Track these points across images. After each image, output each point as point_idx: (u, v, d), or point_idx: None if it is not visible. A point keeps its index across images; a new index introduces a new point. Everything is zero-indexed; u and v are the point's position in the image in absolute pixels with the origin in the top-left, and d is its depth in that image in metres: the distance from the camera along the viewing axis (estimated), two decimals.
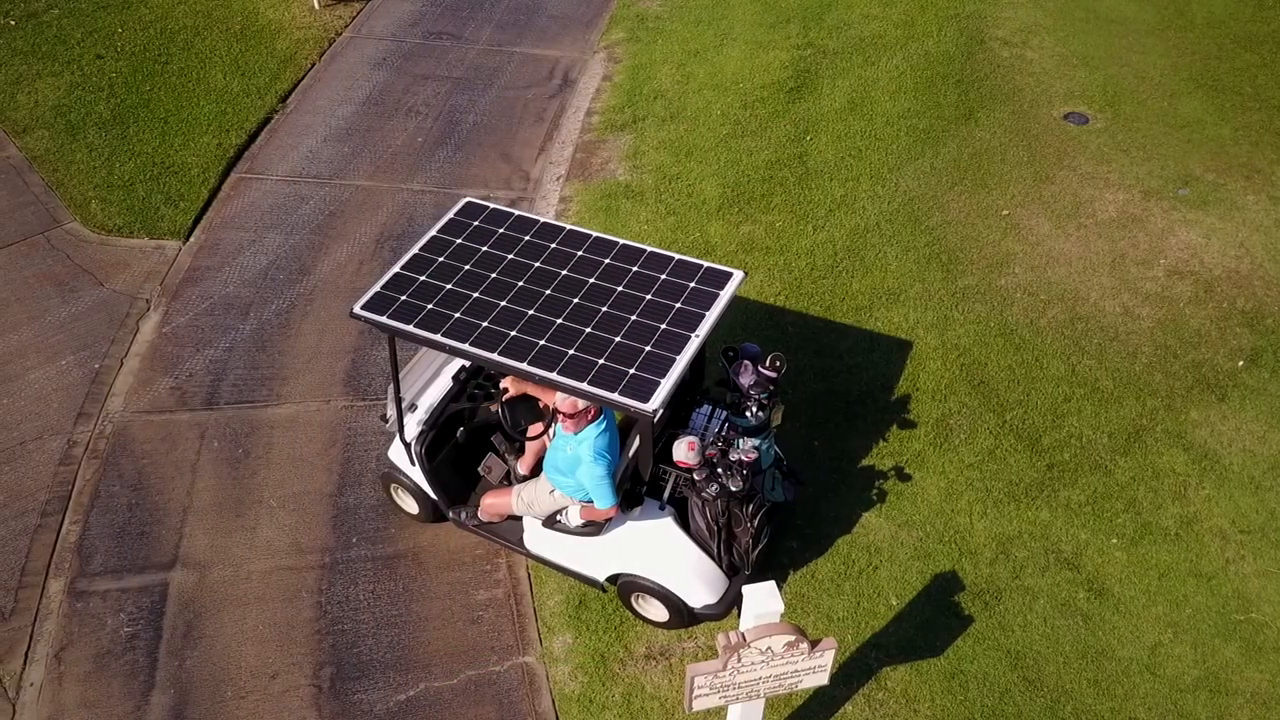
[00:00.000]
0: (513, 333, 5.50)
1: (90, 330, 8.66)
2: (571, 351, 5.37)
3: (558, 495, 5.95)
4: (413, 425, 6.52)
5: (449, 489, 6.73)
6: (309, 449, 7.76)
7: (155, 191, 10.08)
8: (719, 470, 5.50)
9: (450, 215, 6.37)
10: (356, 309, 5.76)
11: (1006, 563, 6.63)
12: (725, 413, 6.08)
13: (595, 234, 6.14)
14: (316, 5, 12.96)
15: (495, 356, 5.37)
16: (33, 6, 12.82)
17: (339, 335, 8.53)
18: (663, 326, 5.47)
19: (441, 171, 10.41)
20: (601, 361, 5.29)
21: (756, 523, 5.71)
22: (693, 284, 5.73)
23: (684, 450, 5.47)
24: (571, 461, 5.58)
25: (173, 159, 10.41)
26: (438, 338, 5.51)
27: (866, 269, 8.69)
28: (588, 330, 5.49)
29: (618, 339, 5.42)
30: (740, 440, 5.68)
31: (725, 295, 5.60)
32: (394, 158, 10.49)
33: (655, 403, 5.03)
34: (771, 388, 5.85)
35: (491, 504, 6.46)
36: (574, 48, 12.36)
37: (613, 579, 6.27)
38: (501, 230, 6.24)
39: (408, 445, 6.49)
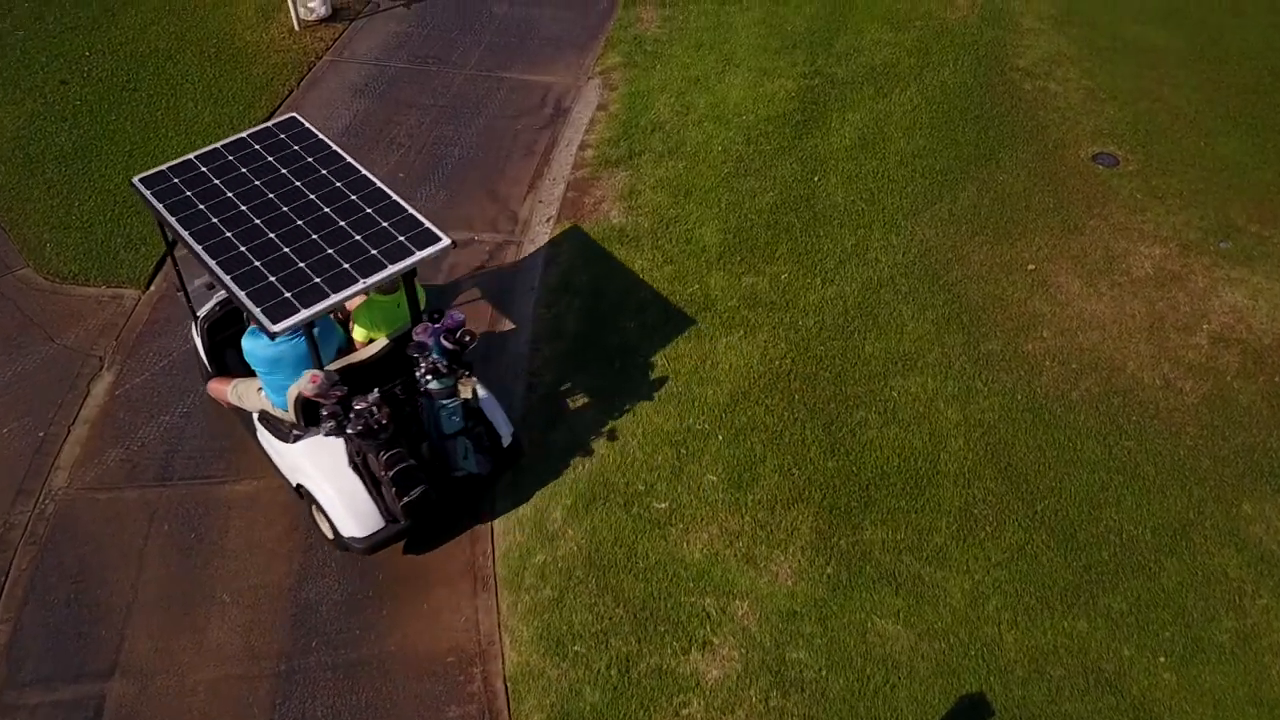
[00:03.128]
0: (240, 244, 5.73)
1: (36, 393, 7.86)
2: (258, 264, 5.62)
3: (263, 395, 6.30)
4: (209, 303, 7.03)
5: (221, 367, 7.18)
6: (268, 534, 6.97)
7: (115, 234, 9.26)
8: (339, 412, 5.59)
9: (268, 124, 6.65)
10: (135, 180, 6.17)
11: (1041, 683, 5.83)
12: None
13: (361, 172, 6.26)
14: (296, 26, 12.12)
15: (209, 259, 5.67)
16: None
17: None
18: (345, 266, 5.60)
19: (423, 212, 9.48)
20: (273, 279, 5.53)
21: (393, 474, 5.86)
22: (402, 238, 5.77)
23: (305, 382, 5.63)
24: (269, 361, 6.02)
25: (136, 197, 9.58)
26: (181, 231, 5.83)
27: (880, 329, 7.87)
28: (286, 250, 5.68)
29: (302, 264, 5.61)
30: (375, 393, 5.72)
31: (412, 259, 5.62)
32: None
33: (278, 327, 5.31)
34: (448, 360, 5.84)
35: (215, 388, 7.05)
36: (567, 73, 11.53)
37: (301, 488, 6.51)
38: (296, 149, 6.42)
39: (195, 317, 7.10)
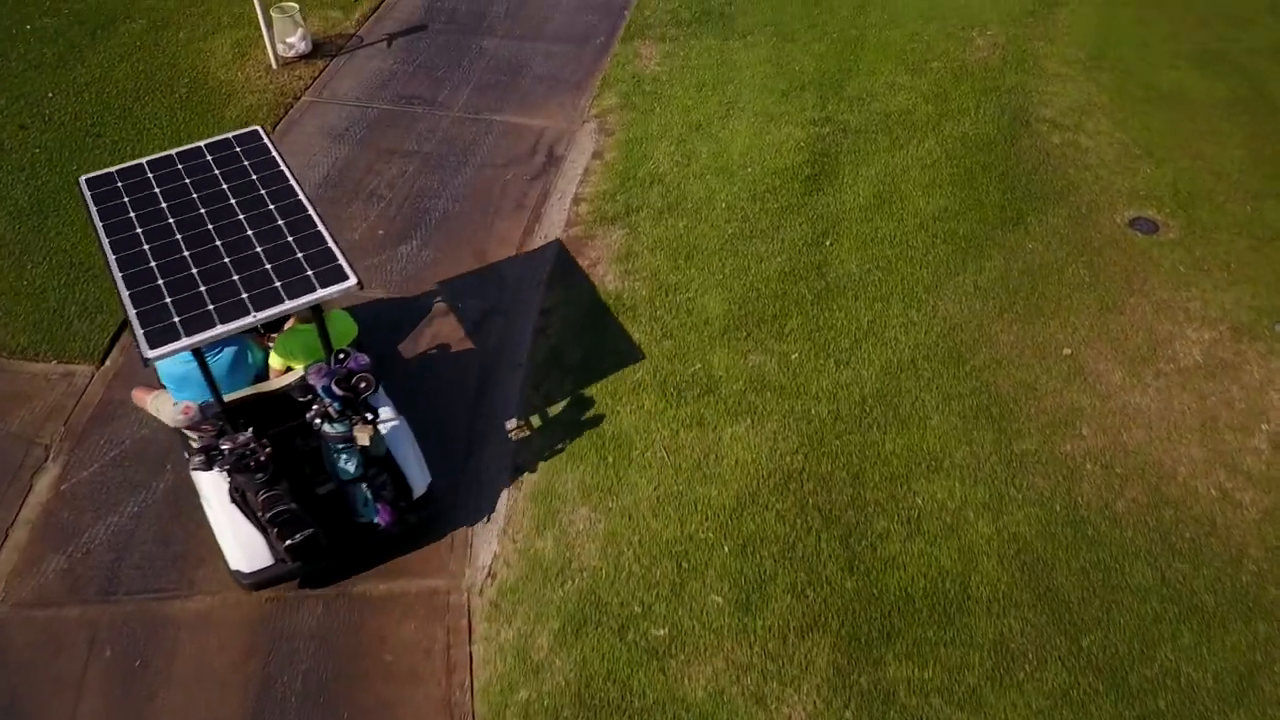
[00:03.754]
0: (151, 259, 5.49)
1: None
2: (160, 281, 5.35)
3: (176, 410, 6.04)
4: None
5: None
6: (221, 659, 6.21)
7: (70, 301, 8.49)
8: (212, 445, 5.40)
9: (228, 136, 6.35)
10: (81, 179, 6.00)
11: None
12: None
13: (297, 196, 5.91)
14: (274, 64, 11.36)
15: (116, 271, 5.42)
16: None
17: None
18: (243, 295, 5.30)
19: (403, 274, 8.83)
20: (169, 299, 5.24)
21: (269, 516, 5.61)
22: (310, 272, 5.42)
23: (176, 411, 5.51)
24: (176, 380, 5.98)
25: (94, 259, 8.81)
26: (102, 238, 5.60)
27: (902, 422, 7.11)
28: (193, 270, 5.41)
29: (204, 288, 5.32)
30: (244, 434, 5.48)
31: (310, 296, 5.27)
32: (350, 256, 8.88)
33: (153, 353, 5.03)
34: (341, 405, 5.54)
35: (137, 395, 6.89)
36: (561, 115, 10.76)
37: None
38: (245, 164, 6.15)
39: None
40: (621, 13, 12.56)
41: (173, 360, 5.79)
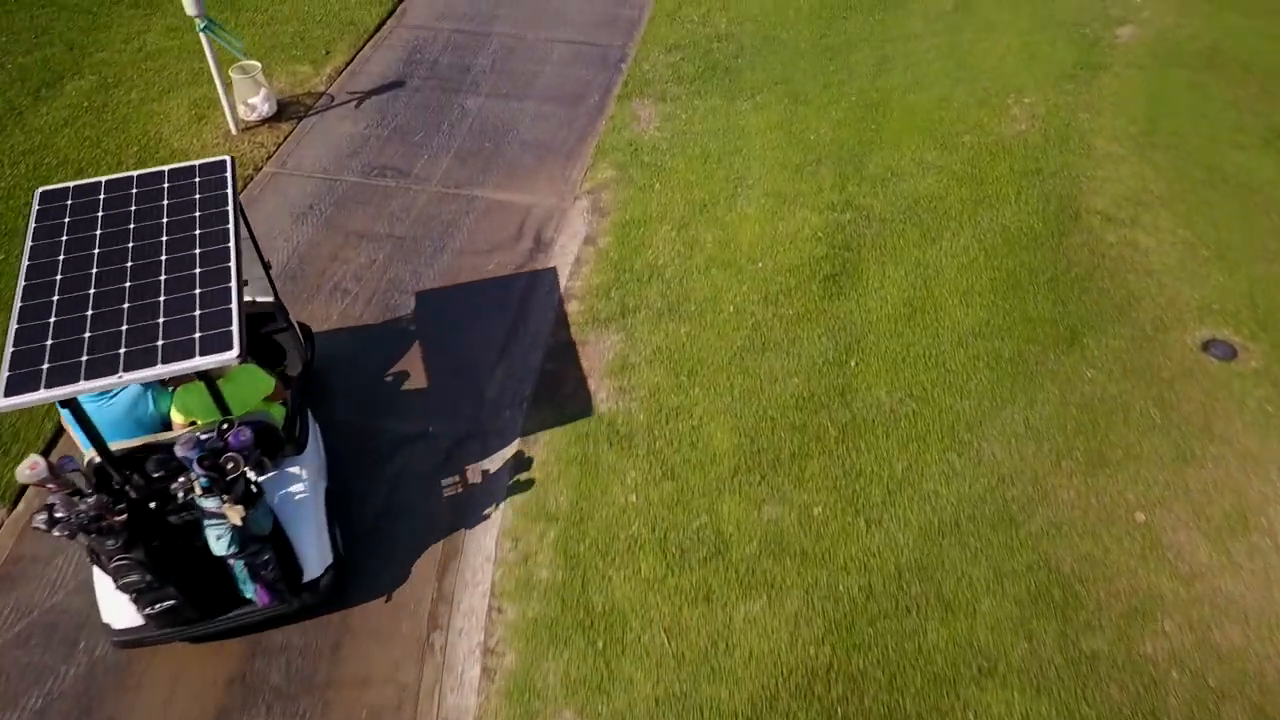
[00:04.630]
0: (56, 292, 5.13)
1: None
2: (52, 320, 4.96)
3: (24, 466, 5.25)
4: None
5: None
6: None
7: None
8: (54, 505, 4.88)
9: (195, 163, 5.85)
10: (39, 191, 5.65)
11: None
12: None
13: (227, 244, 5.36)
14: (233, 129, 10.17)
15: (18, 299, 5.07)
16: None
17: (209, 672, 5.81)
18: (120, 351, 4.83)
19: (366, 388, 7.64)
20: (49, 342, 4.86)
21: (117, 585, 5.20)
22: (197, 334, 4.89)
23: (24, 465, 4.79)
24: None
25: None
26: (25, 259, 5.29)
27: (946, 606, 5.92)
28: (88, 312, 5.00)
29: (88, 334, 4.90)
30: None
31: (182, 365, 4.76)
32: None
33: (3, 402, 4.59)
34: (209, 482, 5.01)
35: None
36: (550, 190, 9.57)
37: None
38: (197, 197, 5.67)
39: None
40: (618, 66, 11.37)
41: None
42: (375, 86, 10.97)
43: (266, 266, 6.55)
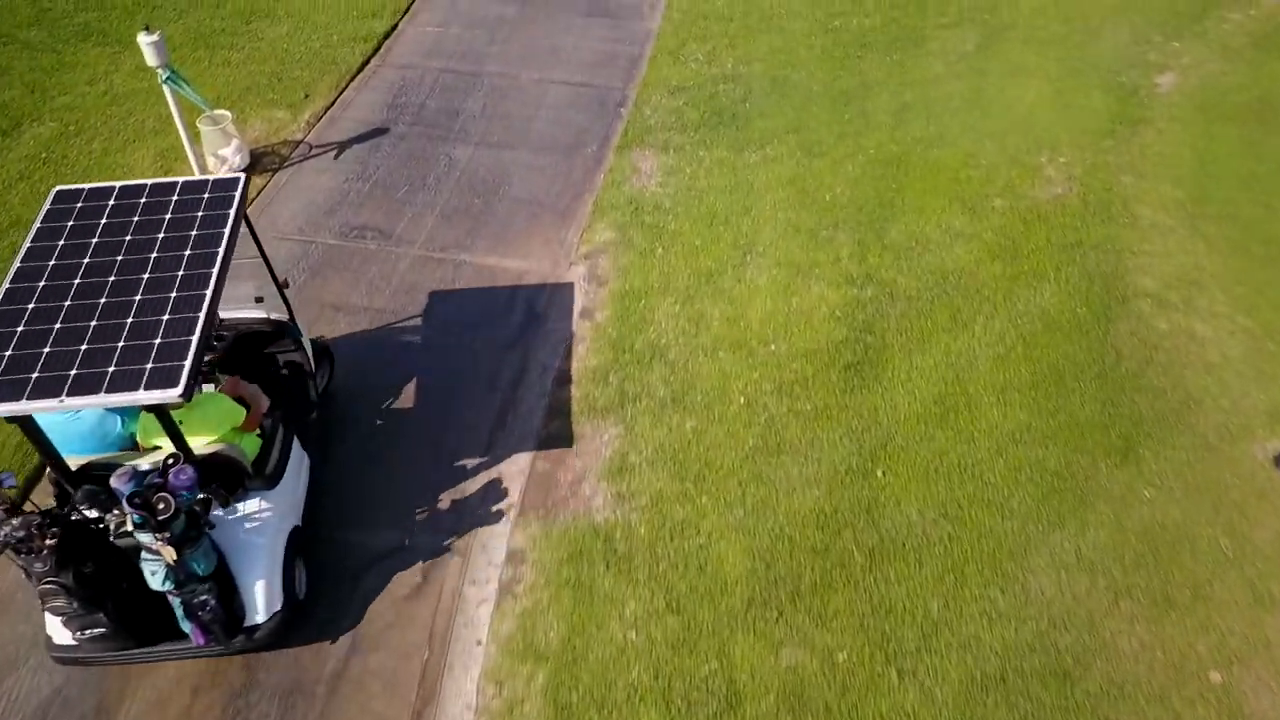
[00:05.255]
0: (31, 299, 4.98)
1: None
2: (19, 328, 4.81)
3: None
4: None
5: None
6: None
7: None
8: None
9: (210, 178, 5.69)
10: (56, 189, 5.58)
11: None
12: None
13: (210, 270, 5.13)
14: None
15: None
16: None
17: None
18: (71, 372, 4.62)
19: (334, 487, 6.79)
20: (6, 352, 4.67)
21: (44, 608, 5.01)
22: (147, 365, 4.70)
23: None
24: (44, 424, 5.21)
25: None
26: (16, 260, 5.15)
27: None
28: (56, 325, 4.84)
29: (47, 349, 4.72)
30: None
31: (127, 397, 4.54)
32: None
33: None
34: (140, 519, 4.76)
35: None
36: (545, 254, 8.73)
37: None
38: (199, 214, 5.50)
39: None
40: (617, 111, 10.53)
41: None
42: (356, 134, 10.13)
43: (282, 285, 6.36)
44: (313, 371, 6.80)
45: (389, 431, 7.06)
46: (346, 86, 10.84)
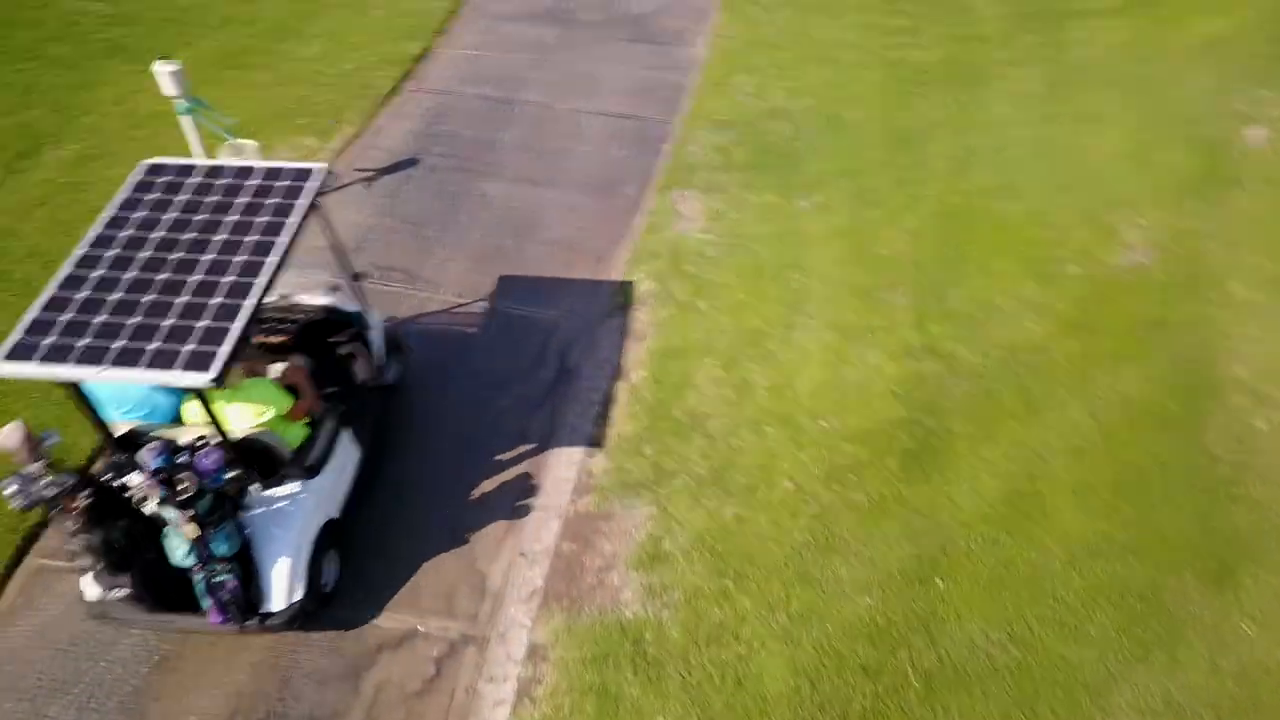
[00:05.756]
0: (101, 268, 5.12)
1: None
2: (81, 294, 4.98)
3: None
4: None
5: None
6: None
7: None
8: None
9: (298, 165, 5.71)
10: (146, 161, 5.68)
11: None
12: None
13: (267, 258, 5.14)
14: None
15: (66, 267, 5.12)
16: None
17: None
18: (115, 344, 4.73)
19: (342, 580, 6.22)
20: (65, 316, 4.87)
21: (75, 561, 5.04)
22: (187, 347, 4.74)
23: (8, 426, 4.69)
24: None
25: None
26: (95, 228, 5.33)
27: None
28: (116, 295, 4.96)
29: (100, 318, 4.84)
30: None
31: (160, 375, 4.62)
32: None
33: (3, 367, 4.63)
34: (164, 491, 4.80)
35: None
36: (579, 303, 8.14)
37: None
38: (273, 201, 5.53)
39: None
40: (658, 147, 9.92)
41: None
42: (386, 164, 9.61)
43: (356, 276, 6.45)
44: (380, 365, 6.72)
45: (403, 501, 6.49)
46: (378, 113, 10.32)
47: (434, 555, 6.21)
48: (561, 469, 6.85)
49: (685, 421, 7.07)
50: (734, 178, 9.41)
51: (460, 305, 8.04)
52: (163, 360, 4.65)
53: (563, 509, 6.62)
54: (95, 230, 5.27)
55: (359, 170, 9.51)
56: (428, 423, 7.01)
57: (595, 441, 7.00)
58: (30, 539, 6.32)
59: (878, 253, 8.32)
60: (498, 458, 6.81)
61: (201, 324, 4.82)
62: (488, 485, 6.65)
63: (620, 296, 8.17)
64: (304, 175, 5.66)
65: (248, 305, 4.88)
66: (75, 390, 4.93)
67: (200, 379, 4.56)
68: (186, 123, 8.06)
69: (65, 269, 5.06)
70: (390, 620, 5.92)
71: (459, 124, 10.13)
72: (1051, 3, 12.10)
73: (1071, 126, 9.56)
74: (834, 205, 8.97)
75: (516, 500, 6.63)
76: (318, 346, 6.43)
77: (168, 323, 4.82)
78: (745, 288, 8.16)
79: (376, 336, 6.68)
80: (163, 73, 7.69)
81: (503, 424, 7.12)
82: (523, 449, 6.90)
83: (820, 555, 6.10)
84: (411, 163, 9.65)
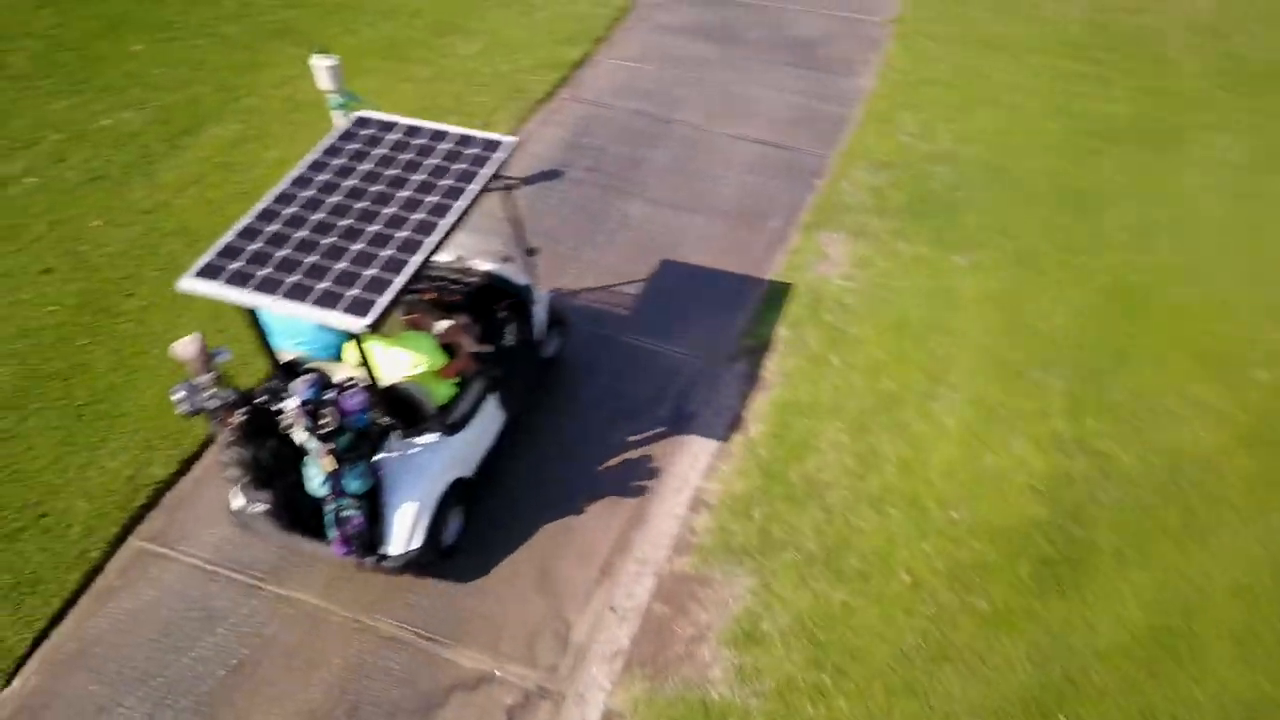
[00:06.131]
0: (291, 206, 5.45)
1: None
2: (269, 228, 5.31)
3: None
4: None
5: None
6: None
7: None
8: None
9: (490, 135, 6.01)
10: (357, 114, 6.08)
11: None
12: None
13: (442, 220, 5.41)
14: None
15: (264, 201, 5.45)
16: None
17: None
18: (290, 279, 5.04)
19: (423, 609, 6.03)
20: (253, 245, 5.20)
21: (225, 471, 5.46)
22: (351, 291, 4.98)
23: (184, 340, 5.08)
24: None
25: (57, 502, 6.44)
26: (296, 170, 5.66)
27: None
28: (300, 233, 5.28)
29: (283, 251, 5.18)
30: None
31: (323, 314, 4.85)
32: (339, 591, 6.19)
33: (185, 283, 4.98)
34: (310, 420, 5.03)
35: None
36: (704, 340, 7.76)
37: None
38: (460, 167, 5.78)
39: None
40: (810, 182, 9.42)
41: None
42: (531, 173, 9.43)
43: (530, 251, 6.70)
44: (541, 338, 6.95)
45: (496, 531, 6.26)
46: (529, 118, 10.15)
47: (518, 586, 5.95)
48: (663, 520, 6.49)
49: (801, 488, 6.60)
50: (886, 224, 8.83)
51: (584, 329, 7.76)
52: (328, 300, 4.91)
53: (660, 565, 6.26)
54: (297, 170, 5.62)
55: (502, 175, 9.35)
56: (532, 455, 6.75)
57: (702, 496, 6.61)
58: (137, 518, 6.36)
59: (1034, 325, 7.62)
60: (598, 499, 6.50)
61: (369, 272, 5.06)
62: (587, 524, 6.35)
63: (750, 339, 7.75)
64: (493, 146, 5.90)
65: (413, 262, 5.10)
66: (251, 315, 5.34)
67: (357, 323, 4.79)
68: (338, 116, 8.03)
69: (263, 203, 5.41)
70: (468, 659, 5.69)
71: (608, 138, 9.88)
72: (1267, 62, 10.97)
73: (1274, 208, 8.57)
74: (991, 266, 8.29)
75: (613, 547, 6.31)
76: (483, 313, 6.67)
77: (340, 266, 5.08)
78: (884, 346, 7.60)
79: (540, 311, 6.91)
80: (320, 67, 7.67)
81: (609, 461, 6.80)
82: (625, 493, 6.58)
83: (931, 664, 5.54)
84: (555, 174, 9.46)
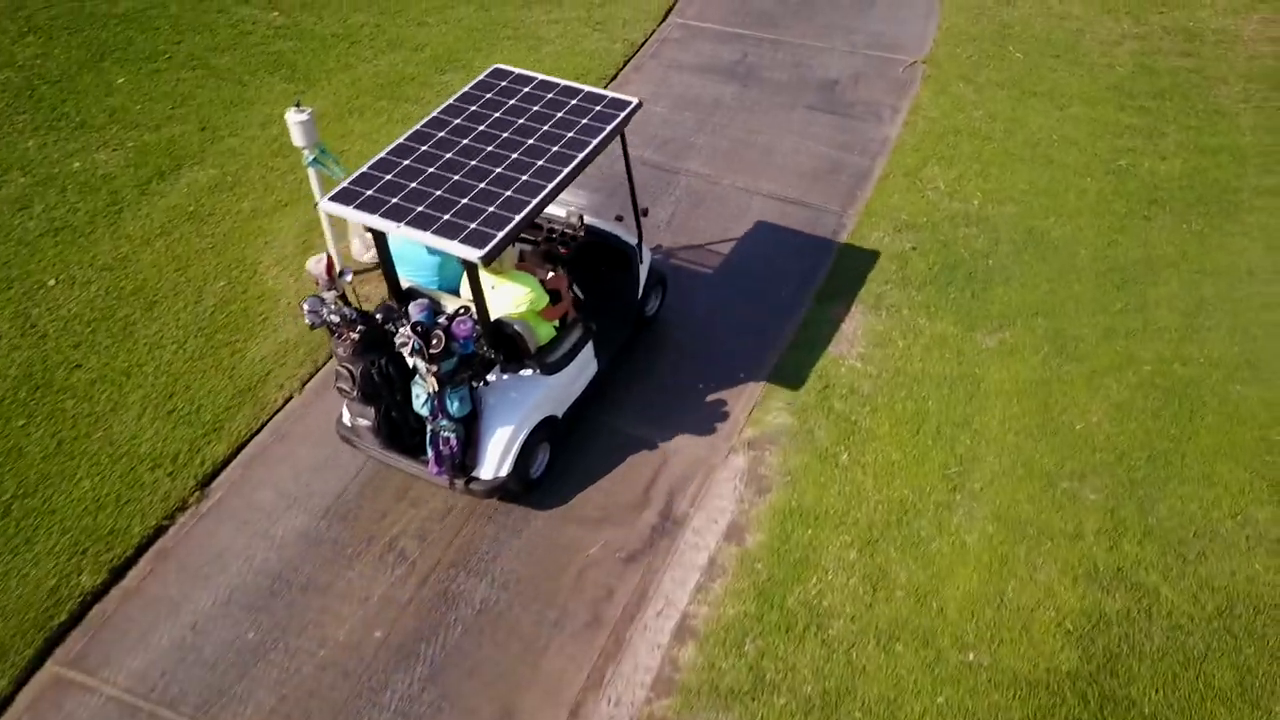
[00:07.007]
0: (422, 145, 5.94)
1: None
2: (403, 161, 5.83)
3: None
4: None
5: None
6: None
7: None
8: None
9: (614, 95, 6.37)
10: (498, 65, 6.68)
11: None
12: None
13: (562, 170, 5.83)
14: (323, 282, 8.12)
15: (400, 138, 6.00)
16: None
17: None
18: (418, 209, 5.51)
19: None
20: (386, 176, 5.72)
21: (336, 384, 5.84)
22: (472, 225, 5.42)
23: (315, 259, 5.58)
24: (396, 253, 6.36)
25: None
26: (428, 118, 6.18)
27: None
28: (430, 169, 5.77)
29: (413, 184, 5.65)
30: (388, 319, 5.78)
31: (445, 242, 5.30)
32: (327, 674, 5.50)
33: (322, 202, 5.66)
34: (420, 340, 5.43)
35: None
36: (701, 431, 7.05)
37: None
38: (585, 121, 6.25)
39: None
40: (827, 244, 8.69)
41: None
42: None
43: (640, 212, 7.03)
44: (638, 298, 7.16)
45: (456, 665, 5.57)
46: None
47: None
48: (644, 652, 5.77)
49: (801, 615, 5.86)
50: (908, 295, 8.05)
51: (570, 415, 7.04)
52: (448, 230, 5.29)
53: (637, 708, 5.53)
54: (435, 112, 6.13)
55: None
56: (506, 566, 6.06)
57: (689, 622, 5.89)
58: (55, 640, 5.73)
59: (1071, 425, 6.82)
60: (573, 622, 5.79)
61: (489, 209, 5.44)
62: (557, 651, 5.65)
63: (751, 429, 7.00)
64: (620, 105, 6.27)
65: (532, 204, 5.48)
66: (380, 240, 5.79)
67: (472, 253, 5.16)
68: (312, 173, 7.40)
69: (401, 138, 5.91)
70: None
71: (608, 191, 9.15)
72: None
73: None
74: (1023, 350, 7.48)
75: (586, 685, 5.59)
76: (591, 266, 6.96)
77: (463, 201, 5.48)
78: (901, 443, 6.84)
79: (644, 271, 7.13)
80: (293, 122, 7.04)
81: (586, 576, 6.10)
82: (604, 612, 5.87)
83: None
84: None
